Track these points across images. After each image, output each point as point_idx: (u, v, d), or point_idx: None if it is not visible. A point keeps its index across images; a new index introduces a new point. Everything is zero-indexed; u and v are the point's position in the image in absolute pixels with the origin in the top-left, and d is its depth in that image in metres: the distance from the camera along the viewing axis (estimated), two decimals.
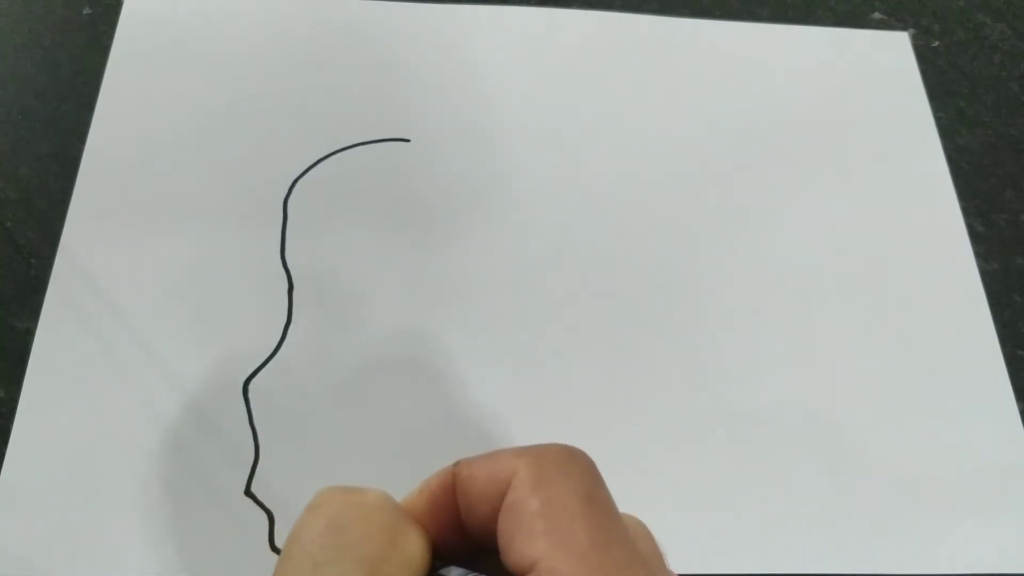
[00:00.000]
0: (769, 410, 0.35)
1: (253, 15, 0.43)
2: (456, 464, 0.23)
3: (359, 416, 0.34)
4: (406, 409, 0.34)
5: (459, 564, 0.23)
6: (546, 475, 0.22)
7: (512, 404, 0.34)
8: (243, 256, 0.36)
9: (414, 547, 0.21)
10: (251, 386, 0.34)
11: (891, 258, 0.39)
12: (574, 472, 0.22)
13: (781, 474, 0.34)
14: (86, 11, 0.43)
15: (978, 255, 0.40)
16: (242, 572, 0.30)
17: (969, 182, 0.42)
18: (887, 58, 0.45)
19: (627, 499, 0.33)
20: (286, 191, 0.38)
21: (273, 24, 0.43)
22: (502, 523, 0.22)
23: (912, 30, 0.46)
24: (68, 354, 0.34)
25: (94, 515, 0.31)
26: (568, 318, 0.37)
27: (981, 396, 0.36)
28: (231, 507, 0.31)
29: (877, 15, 0.46)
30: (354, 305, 0.36)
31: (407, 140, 0.40)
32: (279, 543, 0.31)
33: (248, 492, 0.31)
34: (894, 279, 0.39)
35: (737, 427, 0.35)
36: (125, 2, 0.43)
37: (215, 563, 0.30)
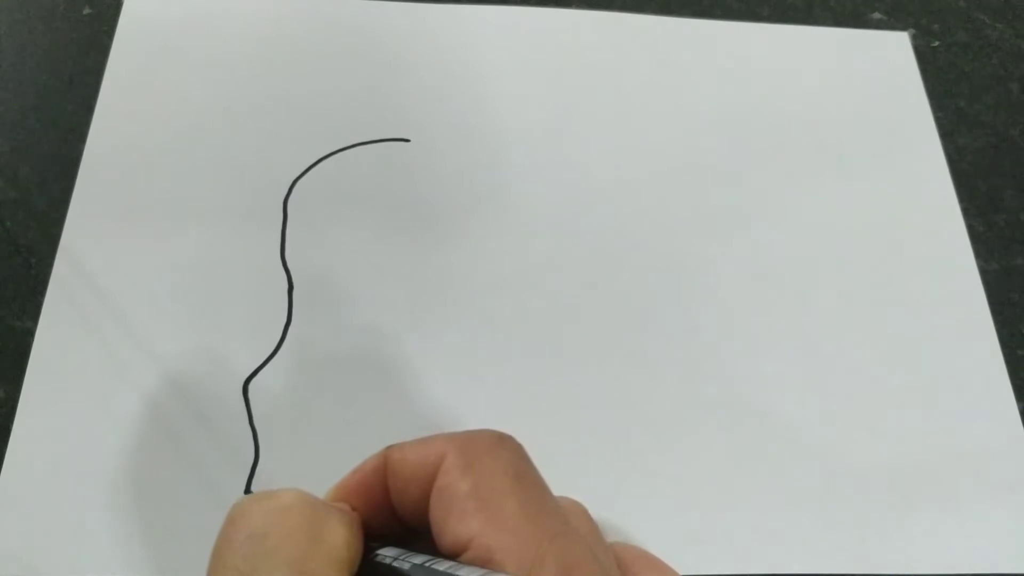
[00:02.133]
0: (769, 410, 0.35)
1: (253, 15, 0.43)
2: (388, 448, 0.24)
3: (359, 416, 0.34)
4: (406, 409, 0.34)
5: (393, 545, 0.23)
6: (475, 458, 0.22)
7: (512, 404, 0.34)
8: (243, 256, 0.36)
9: (337, 537, 0.21)
10: (251, 386, 0.34)
11: (891, 258, 0.39)
12: (503, 454, 0.22)
13: (781, 474, 0.34)
14: (86, 11, 0.43)
15: (978, 255, 0.40)
16: None
17: (969, 182, 0.42)
18: (887, 58, 0.45)
19: (627, 499, 0.33)
20: (286, 191, 0.38)
21: (273, 24, 0.43)
22: (433, 506, 0.22)
23: (912, 30, 0.46)
24: (68, 354, 0.34)
25: (94, 515, 0.31)
26: (568, 318, 0.37)
27: (981, 396, 0.36)
28: (230, 507, 0.31)
29: (877, 15, 0.46)
30: (354, 305, 0.36)
31: (407, 140, 0.40)
32: None
33: (248, 492, 0.31)
34: (894, 279, 0.39)
35: (737, 427, 0.35)
36: (125, 2, 0.43)
37: None
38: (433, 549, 0.22)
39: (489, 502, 0.21)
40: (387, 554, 0.23)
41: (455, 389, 0.34)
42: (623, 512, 0.33)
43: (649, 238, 0.39)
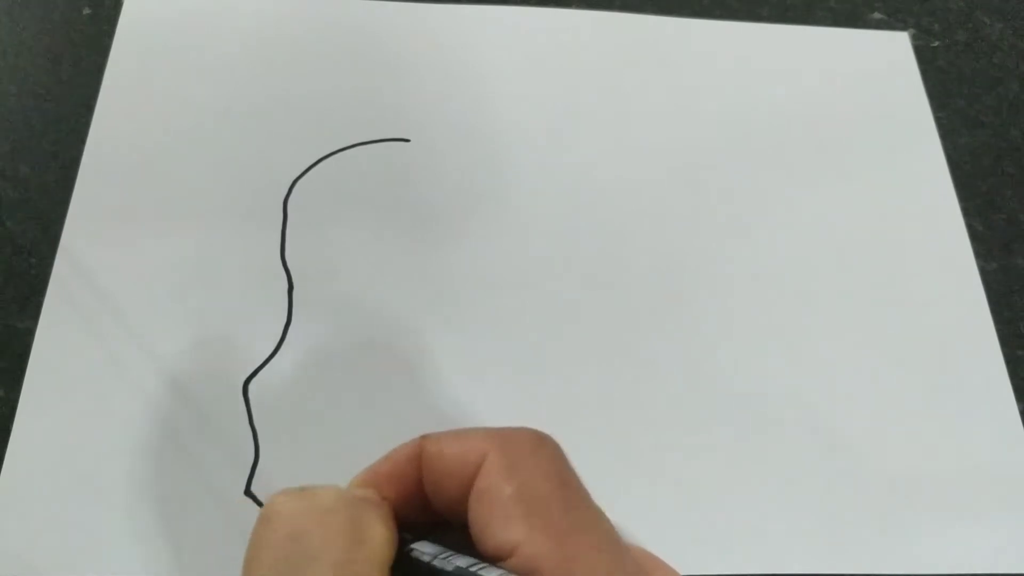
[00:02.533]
0: (769, 410, 0.35)
1: (253, 15, 0.43)
2: (423, 437, 0.23)
3: (359, 416, 0.34)
4: (406, 409, 0.34)
5: (425, 536, 0.23)
6: (518, 460, 0.21)
7: (513, 404, 0.34)
8: (243, 256, 0.36)
9: (379, 537, 0.21)
10: (251, 386, 0.34)
11: (891, 258, 0.39)
12: (545, 456, 0.22)
13: (781, 474, 0.34)
14: (86, 11, 0.43)
15: (978, 255, 0.40)
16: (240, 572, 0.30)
17: (969, 182, 0.42)
18: (887, 58, 0.45)
19: (628, 499, 0.33)
20: (286, 191, 0.38)
21: (273, 24, 0.43)
22: (474, 509, 0.21)
23: (912, 30, 0.46)
24: (68, 354, 0.34)
25: (94, 515, 0.31)
26: (568, 318, 0.37)
27: (981, 396, 0.36)
28: (231, 507, 0.31)
29: (877, 15, 0.46)
30: (354, 305, 0.36)
31: (407, 140, 0.40)
32: None
33: (248, 492, 0.31)
34: (894, 279, 0.39)
35: (737, 427, 0.35)
36: (125, 2, 0.43)
37: (215, 563, 0.30)
38: (467, 543, 0.21)
39: (534, 509, 0.21)
40: (424, 550, 0.22)
41: (455, 389, 0.34)
42: (623, 512, 0.33)
43: (649, 238, 0.39)
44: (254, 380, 0.34)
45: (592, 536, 0.21)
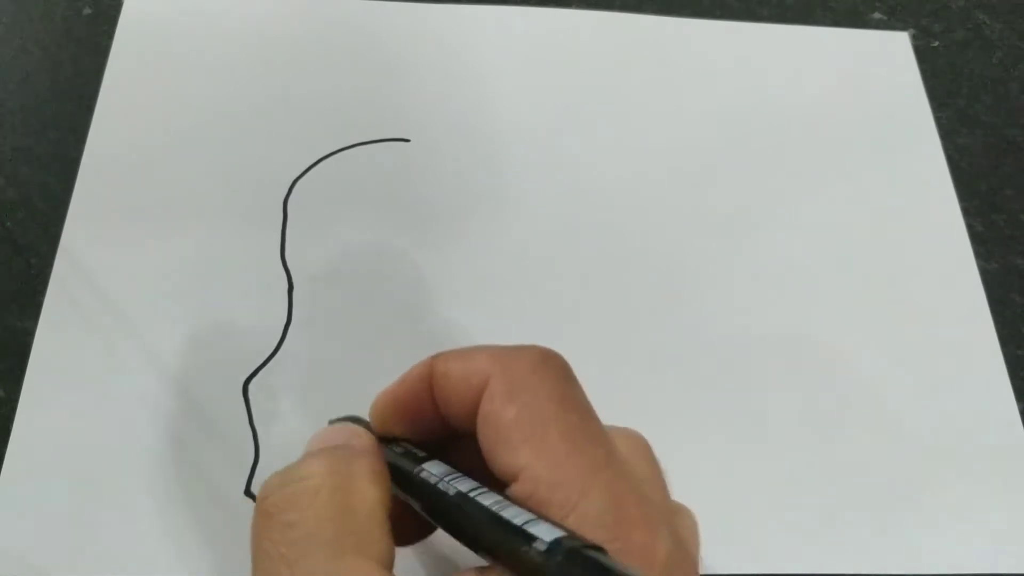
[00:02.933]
0: (768, 410, 0.35)
1: (253, 15, 0.43)
2: (434, 357, 0.24)
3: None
4: None
5: (444, 450, 0.24)
6: (518, 382, 0.22)
7: None
8: (243, 256, 0.36)
9: (368, 501, 0.21)
10: (251, 386, 0.34)
11: (891, 258, 0.39)
12: (547, 376, 0.22)
13: (781, 474, 0.34)
14: (86, 11, 0.43)
15: (978, 255, 0.40)
16: (242, 572, 0.30)
17: (969, 182, 0.42)
18: (887, 58, 0.45)
19: None
20: (286, 191, 0.38)
21: (273, 24, 0.43)
22: (481, 434, 0.22)
23: (912, 30, 0.46)
24: (68, 354, 0.34)
25: (94, 515, 0.31)
26: (569, 318, 0.37)
27: (981, 396, 0.36)
28: (231, 507, 0.31)
29: (877, 15, 0.46)
30: (354, 305, 0.36)
31: (407, 140, 0.40)
32: None
33: (248, 492, 0.31)
34: (894, 279, 0.39)
35: (737, 427, 0.35)
36: (125, 2, 0.43)
37: (215, 563, 0.30)
38: (482, 462, 0.22)
39: (534, 432, 0.21)
40: (432, 471, 0.23)
41: None
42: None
43: (648, 238, 0.39)
44: (254, 380, 0.34)
45: (592, 455, 0.21)
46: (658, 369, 0.36)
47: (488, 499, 0.21)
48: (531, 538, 0.19)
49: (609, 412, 0.35)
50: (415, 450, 0.24)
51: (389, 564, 0.21)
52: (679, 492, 0.34)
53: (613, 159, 0.41)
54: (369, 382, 0.34)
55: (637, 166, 0.41)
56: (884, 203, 0.41)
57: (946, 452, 0.35)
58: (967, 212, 0.41)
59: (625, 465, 0.22)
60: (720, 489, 0.33)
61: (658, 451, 0.34)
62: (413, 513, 0.23)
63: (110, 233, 0.36)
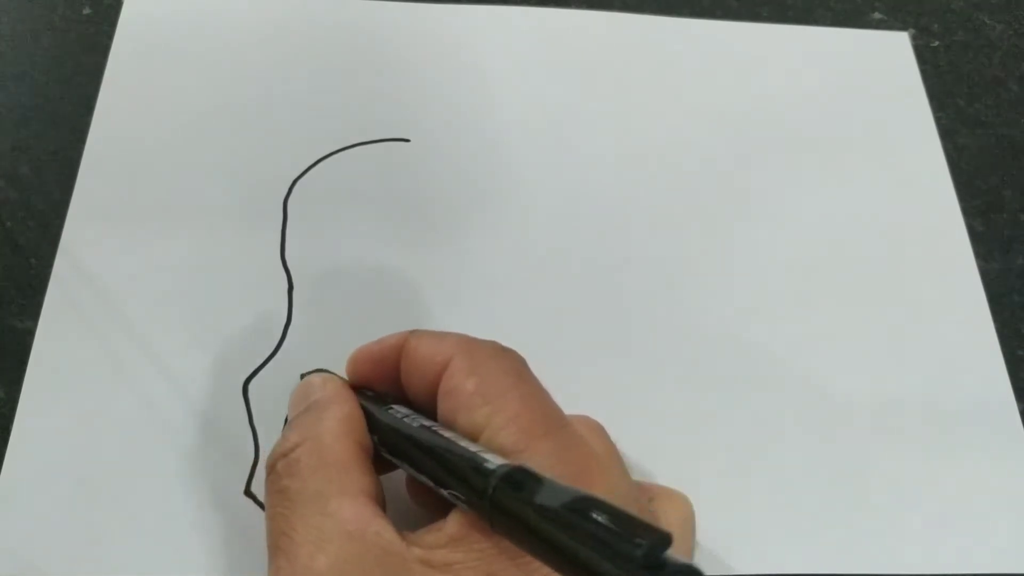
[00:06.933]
0: (768, 410, 0.35)
1: (253, 15, 0.43)
2: (411, 332, 0.27)
3: None
4: None
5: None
6: (479, 362, 0.25)
7: None
8: (243, 256, 0.36)
9: (338, 447, 0.25)
10: (251, 386, 0.34)
11: (891, 258, 0.39)
12: (505, 360, 0.25)
13: (781, 474, 0.34)
14: (86, 11, 0.43)
15: (978, 255, 0.40)
16: (243, 572, 0.30)
17: (969, 182, 0.42)
18: (887, 58, 0.45)
19: None
20: (286, 191, 0.38)
21: (273, 24, 0.43)
22: (442, 405, 0.25)
23: (912, 30, 0.46)
24: (68, 354, 0.34)
25: (94, 515, 0.31)
26: (569, 318, 0.37)
27: (981, 396, 0.36)
28: (231, 507, 0.31)
29: (877, 15, 0.46)
30: (354, 305, 0.36)
31: (407, 140, 0.40)
32: None
33: (248, 492, 0.31)
34: (894, 279, 0.39)
35: (737, 427, 0.35)
36: (125, 2, 0.43)
37: (215, 563, 0.30)
38: None
39: (491, 398, 0.24)
40: (399, 410, 0.26)
41: None
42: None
43: (648, 237, 0.39)
44: (254, 380, 0.34)
45: (547, 415, 0.24)
46: (658, 368, 0.36)
47: (447, 433, 0.24)
48: (482, 461, 0.22)
49: (609, 411, 0.35)
50: (383, 396, 0.27)
51: (373, 494, 0.24)
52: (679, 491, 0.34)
53: (613, 159, 0.41)
54: None
55: (637, 166, 0.41)
56: (884, 203, 0.41)
57: (946, 452, 0.35)
58: (967, 212, 0.41)
59: (576, 429, 0.25)
60: (720, 489, 0.33)
61: (657, 451, 0.34)
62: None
63: (110, 233, 0.36)
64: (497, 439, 0.23)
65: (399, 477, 0.28)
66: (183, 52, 0.41)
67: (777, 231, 0.39)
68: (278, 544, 0.24)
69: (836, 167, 0.41)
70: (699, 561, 0.32)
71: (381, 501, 0.25)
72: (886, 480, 0.34)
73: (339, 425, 0.25)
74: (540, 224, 0.39)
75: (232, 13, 0.43)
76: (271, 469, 0.26)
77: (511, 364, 0.25)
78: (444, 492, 0.23)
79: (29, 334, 0.34)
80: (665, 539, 0.17)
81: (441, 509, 0.24)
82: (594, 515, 0.18)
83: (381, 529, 0.23)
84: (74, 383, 0.33)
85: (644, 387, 0.35)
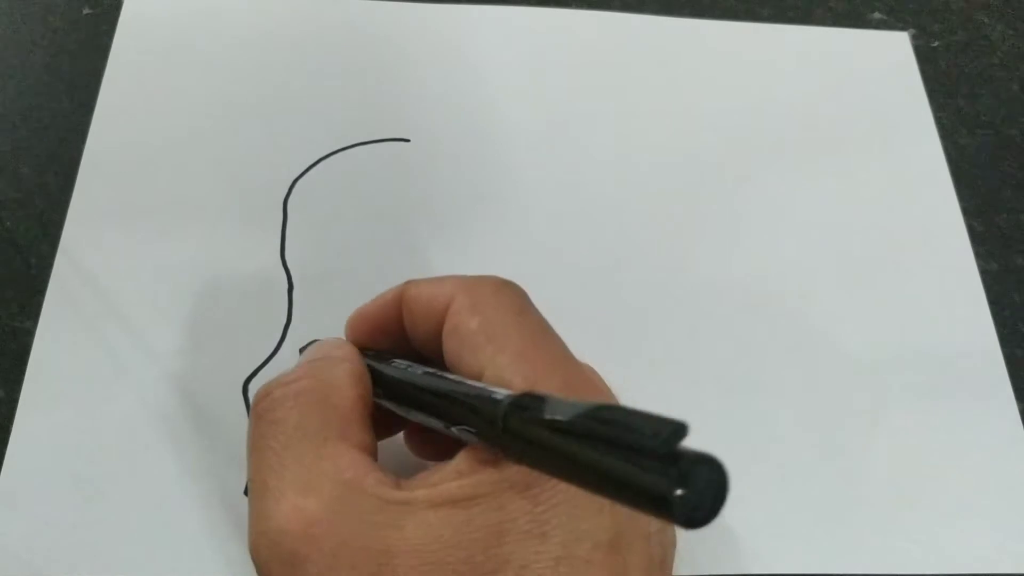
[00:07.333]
0: (768, 410, 0.35)
1: (253, 15, 0.43)
2: (406, 283, 0.27)
3: None
4: None
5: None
6: (481, 300, 0.25)
7: None
8: (243, 256, 0.36)
9: (348, 393, 0.24)
10: (251, 386, 0.34)
11: (891, 258, 0.39)
12: (506, 295, 0.25)
13: (781, 474, 0.34)
14: (86, 11, 0.43)
15: (978, 255, 0.40)
16: (243, 571, 0.30)
17: (969, 182, 0.42)
18: (887, 58, 0.45)
19: None
20: (286, 191, 0.38)
21: (273, 24, 0.43)
22: (447, 344, 0.25)
23: (912, 30, 0.46)
24: (68, 354, 0.34)
25: (94, 515, 0.31)
26: (569, 318, 0.36)
27: (981, 396, 0.36)
28: (231, 507, 0.31)
29: (877, 15, 0.46)
30: (354, 305, 0.36)
31: (407, 140, 0.40)
32: None
33: (248, 492, 0.31)
34: (894, 279, 0.39)
35: (737, 427, 0.35)
36: (125, 2, 0.43)
37: (215, 563, 0.30)
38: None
39: (496, 336, 0.24)
40: (402, 363, 0.26)
41: None
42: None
43: (649, 238, 0.39)
44: (254, 380, 0.34)
45: (550, 350, 0.24)
46: (658, 368, 0.36)
47: (452, 376, 0.24)
48: (491, 392, 0.21)
49: None
50: (383, 353, 0.27)
51: (370, 452, 0.24)
52: None
53: (613, 159, 0.41)
54: None
55: (637, 166, 0.41)
56: (884, 203, 0.41)
57: (946, 452, 0.35)
58: (967, 212, 0.41)
59: (577, 361, 0.25)
60: None
61: None
62: (386, 412, 0.26)
63: (110, 233, 0.36)
64: (504, 376, 0.23)
65: (394, 443, 0.29)
66: (183, 52, 0.41)
67: (776, 231, 0.39)
68: (265, 481, 0.22)
69: (836, 167, 0.41)
70: (699, 561, 0.32)
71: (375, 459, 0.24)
72: (886, 480, 0.34)
73: (349, 377, 0.25)
74: (540, 224, 0.39)
75: (232, 13, 0.43)
76: (265, 395, 0.24)
77: (513, 300, 0.25)
78: (454, 430, 0.22)
79: (29, 334, 0.34)
80: (681, 429, 0.17)
81: (446, 458, 0.24)
82: (607, 416, 0.18)
83: (379, 479, 0.22)
84: (74, 383, 0.33)
85: (644, 386, 0.35)
